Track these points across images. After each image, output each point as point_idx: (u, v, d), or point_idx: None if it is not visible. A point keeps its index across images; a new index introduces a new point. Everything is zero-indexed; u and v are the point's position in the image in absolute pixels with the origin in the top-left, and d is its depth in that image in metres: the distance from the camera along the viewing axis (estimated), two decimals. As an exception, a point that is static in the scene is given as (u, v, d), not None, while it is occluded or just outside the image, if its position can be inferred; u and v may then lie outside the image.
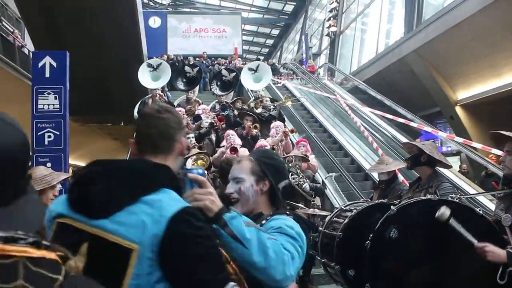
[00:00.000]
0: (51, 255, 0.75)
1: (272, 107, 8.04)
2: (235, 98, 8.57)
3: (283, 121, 8.24)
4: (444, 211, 2.13)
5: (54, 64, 5.97)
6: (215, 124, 7.39)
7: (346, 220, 3.18)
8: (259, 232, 1.40)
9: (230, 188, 1.74)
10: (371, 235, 2.34)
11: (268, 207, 1.76)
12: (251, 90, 9.88)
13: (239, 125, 7.43)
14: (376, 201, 3.53)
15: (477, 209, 2.26)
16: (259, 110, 7.86)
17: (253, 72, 8.80)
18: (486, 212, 2.38)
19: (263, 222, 1.64)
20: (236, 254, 1.36)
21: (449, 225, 2.14)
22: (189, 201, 1.30)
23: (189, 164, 5.59)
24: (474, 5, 10.03)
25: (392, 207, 2.41)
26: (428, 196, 2.50)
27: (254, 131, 7.04)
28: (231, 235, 1.33)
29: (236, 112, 7.78)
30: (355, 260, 2.78)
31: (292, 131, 6.72)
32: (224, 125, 7.54)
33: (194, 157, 5.85)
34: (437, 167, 3.39)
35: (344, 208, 3.58)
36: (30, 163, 0.93)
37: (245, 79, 8.83)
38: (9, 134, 0.82)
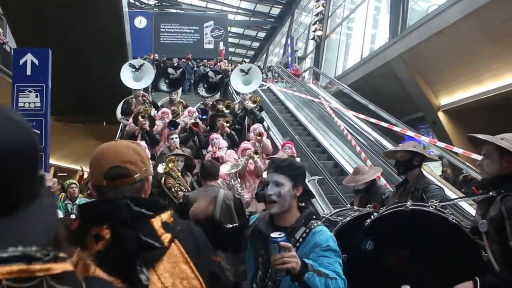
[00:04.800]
0: (69, 267, 0.72)
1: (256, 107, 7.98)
2: (217, 99, 8.44)
3: (262, 120, 8.13)
4: None
5: (36, 61, 5.87)
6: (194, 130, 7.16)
7: (333, 233, 3.16)
8: (327, 281, 1.66)
9: (270, 190, 1.97)
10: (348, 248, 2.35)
11: (296, 210, 2.02)
12: (237, 93, 9.85)
13: (213, 127, 7.41)
14: (363, 211, 3.42)
15: (451, 217, 2.26)
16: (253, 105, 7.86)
17: (244, 74, 8.68)
18: (461, 220, 2.38)
19: (304, 235, 1.90)
20: None
21: None
22: (279, 263, 1.59)
23: (160, 168, 5.11)
24: (456, 13, 10.19)
25: (366, 221, 2.42)
26: (401, 206, 2.48)
27: (227, 129, 7.03)
28: None
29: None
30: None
31: (260, 135, 6.56)
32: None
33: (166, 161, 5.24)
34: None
35: (332, 219, 3.51)
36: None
37: (235, 80, 8.71)
38: (15, 132, 0.73)
